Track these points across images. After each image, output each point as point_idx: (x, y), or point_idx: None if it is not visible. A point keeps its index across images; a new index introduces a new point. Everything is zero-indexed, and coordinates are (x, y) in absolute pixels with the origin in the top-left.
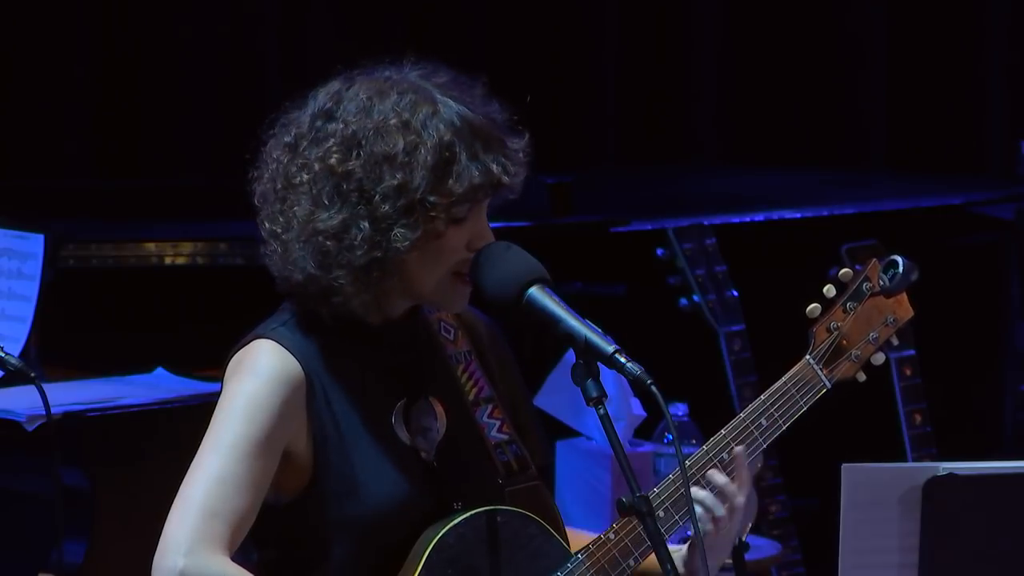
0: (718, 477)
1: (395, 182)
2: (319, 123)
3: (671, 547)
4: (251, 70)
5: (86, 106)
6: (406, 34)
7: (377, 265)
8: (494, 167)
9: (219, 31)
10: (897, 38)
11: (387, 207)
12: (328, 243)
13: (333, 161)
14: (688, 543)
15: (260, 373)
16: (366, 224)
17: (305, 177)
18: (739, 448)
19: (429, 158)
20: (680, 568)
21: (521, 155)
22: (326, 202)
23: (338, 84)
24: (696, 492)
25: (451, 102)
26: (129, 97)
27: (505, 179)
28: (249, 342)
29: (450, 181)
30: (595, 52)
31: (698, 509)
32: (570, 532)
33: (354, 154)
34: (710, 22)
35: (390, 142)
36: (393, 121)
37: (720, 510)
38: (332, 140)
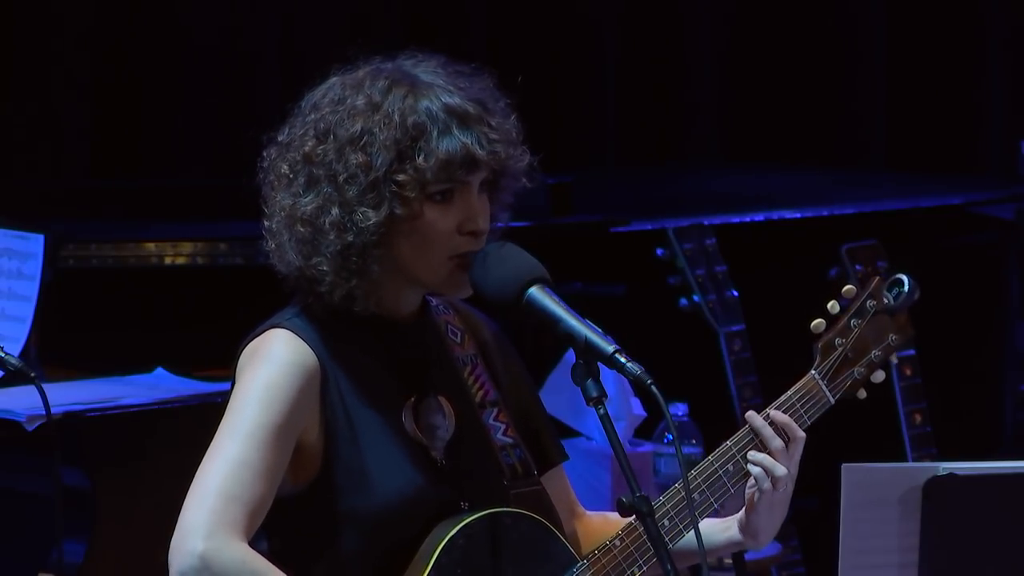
0: (775, 443)
1: (358, 162)
2: (308, 117)
3: (720, 520)
4: (251, 70)
5: (86, 106)
6: (406, 34)
7: (355, 251)
8: (468, 142)
9: (219, 31)
10: (897, 38)
11: (353, 190)
12: (305, 230)
13: (307, 149)
14: (746, 504)
15: (276, 361)
16: (336, 209)
17: (286, 168)
18: (776, 412)
19: (391, 136)
20: (736, 534)
21: (511, 133)
22: (302, 191)
23: (331, 80)
24: (753, 455)
25: (433, 85)
26: (129, 97)
27: (480, 153)
28: (264, 331)
29: (419, 158)
30: (595, 52)
31: (757, 470)
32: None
33: (327, 140)
34: (710, 22)
35: (355, 124)
36: (361, 104)
37: (779, 469)
38: (310, 130)
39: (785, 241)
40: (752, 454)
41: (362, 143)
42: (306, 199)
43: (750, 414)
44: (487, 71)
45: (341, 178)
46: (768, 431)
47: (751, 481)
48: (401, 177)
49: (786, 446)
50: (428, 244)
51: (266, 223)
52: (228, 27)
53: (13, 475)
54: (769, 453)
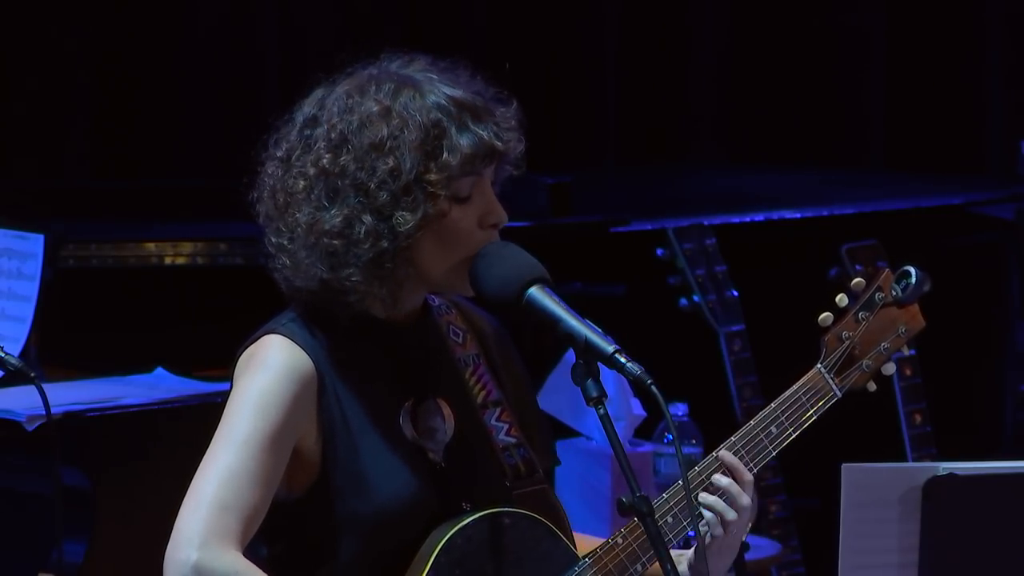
0: (721, 479)
1: (387, 167)
2: (307, 132)
3: (676, 552)
4: (251, 70)
5: (86, 106)
6: (405, 34)
7: (388, 256)
8: (486, 134)
9: (219, 31)
10: (897, 38)
11: (384, 195)
12: (335, 243)
13: (325, 162)
14: (694, 547)
15: (272, 367)
16: (368, 217)
17: (301, 184)
18: (724, 452)
19: (416, 137)
20: (686, 570)
21: (513, 121)
22: (326, 203)
23: (320, 91)
24: (705, 498)
25: (434, 82)
26: (129, 97)
27: (499, 144)
28: (260, 338)
29: (444, 155)
30: (595, 52)
31: (708, 514)
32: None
33: (344, 151)
34: (710, 22)
35: (375, 131)
36: (376, 110)
37: (730, 513)
38: (321, 143)
39: (785, 241)
40: (704, 496)
41: (387, 148)
42: (331, 212)
43: (723, 452)
44: (464, 63)
45: (371, 185)
46: (741, 467)
47: (703, 522)
48: (431, 176)
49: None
50: (453, 242)
51: (275, 240)
52: (228, 27)
53: (13, 475)
54: (722, 496)
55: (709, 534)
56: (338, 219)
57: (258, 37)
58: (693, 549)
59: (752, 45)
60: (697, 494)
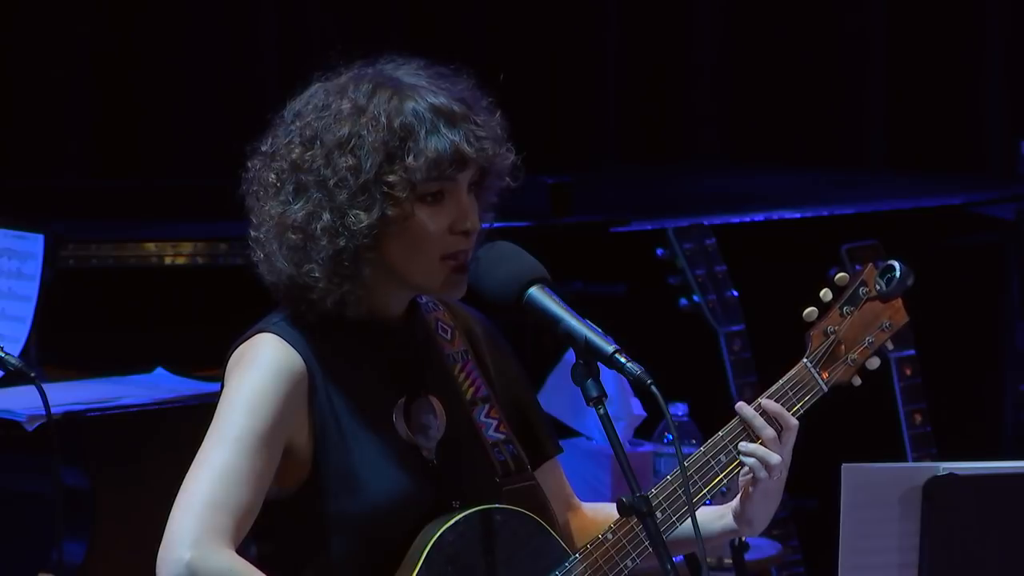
0: (766, 432)
1: (347, 165)
2: (291, 127)
3: (718, 508)
4: (251, 70)
5: (86, 106)
6: (407, 34)
7: (348, 255)
8: (456, 139)
9: (219, 31)
10: (897, 38)
11: (343, 193)
12: (295, 237)
13: (295, 156)
14: (740, 492)
15: (263, 366)
16: (327, 214)
17: (273, 178)
18: (767, 401)
19: (380, 138)
20: (731, 522)
21: (496, 130)
22: (292, 198)
23: (312, 88)
24: (745, 445)
25: (416, 85)
26: (129, 97)
27: (469, 151)
28: (250, 337)
29: (408, 158)
30: (595, 52)
31: (751, 460)
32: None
33: (314, 147)
34: (710, 22)
35: (342, 129)
36: (347, 108)
37: (773, 457)
38: (296, 138)
39: (785, 241)
40: (744, 445)
41: (350, 146)
42: (296, 206)
43: (740, 405)
44: (467, 70)
45: (331, 183)
46: (759, 421)
47: (744, 470)
48: (391, 178)
49: (779, 435)
50: (419, 245)
51: (253, 233)
52: (228, 27)
53: (13, 475)
54: (762, 443)
55: (753, 479)
56: (301, 214)
57: (258, 37)
58: (739, 495)
59: (752, 45)
60: (737, 444)
